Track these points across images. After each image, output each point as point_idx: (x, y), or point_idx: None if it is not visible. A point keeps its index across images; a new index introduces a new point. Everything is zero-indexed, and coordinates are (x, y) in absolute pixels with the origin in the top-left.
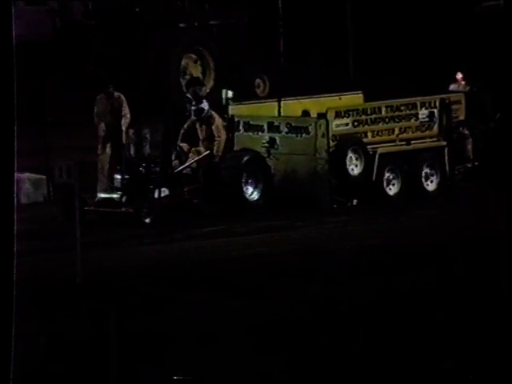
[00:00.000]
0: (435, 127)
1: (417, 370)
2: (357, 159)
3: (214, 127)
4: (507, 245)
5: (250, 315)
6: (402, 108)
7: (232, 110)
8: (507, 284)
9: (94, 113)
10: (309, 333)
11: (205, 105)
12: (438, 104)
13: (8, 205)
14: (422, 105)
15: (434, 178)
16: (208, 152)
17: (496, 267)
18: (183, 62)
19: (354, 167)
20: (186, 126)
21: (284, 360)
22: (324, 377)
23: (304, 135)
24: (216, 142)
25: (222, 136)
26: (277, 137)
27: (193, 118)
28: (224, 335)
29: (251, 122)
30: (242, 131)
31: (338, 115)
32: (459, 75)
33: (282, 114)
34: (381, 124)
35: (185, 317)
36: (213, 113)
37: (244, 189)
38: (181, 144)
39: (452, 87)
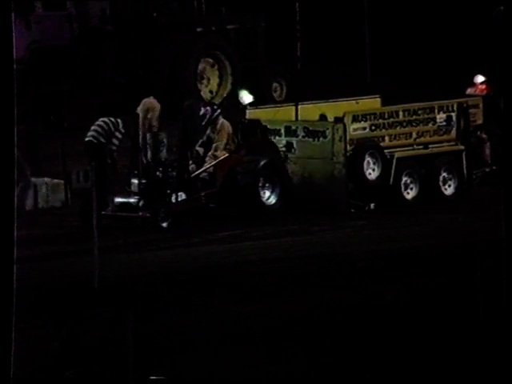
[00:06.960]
0: (453, 131)
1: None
2: (374, 163)
3: (215, 132)
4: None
5: (266, 319)
6: (420, 112)
7: (249, 114)
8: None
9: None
10: (326, 337)
11: (203, 110)
12: (455, 108)
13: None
14: (440, 109)
15: (451, 182)
16: (226, 156)
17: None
18: (200, 67)
19: (372, 171)
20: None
21: (299, 363)
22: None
23: (321, 139)
24: (214, 146)
25: (221, 141)
26: (294, 141)
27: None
28: (240, 339)
29: (268, 126)
30: (259, 135)
31: (355, 119)
32: (479, 79)
33: (299, 118)
34: (398, 128)
35: (201, 321)
36: (219, 118)
37: (261, 193)
38: (197, 148)
39: (469, 91)
